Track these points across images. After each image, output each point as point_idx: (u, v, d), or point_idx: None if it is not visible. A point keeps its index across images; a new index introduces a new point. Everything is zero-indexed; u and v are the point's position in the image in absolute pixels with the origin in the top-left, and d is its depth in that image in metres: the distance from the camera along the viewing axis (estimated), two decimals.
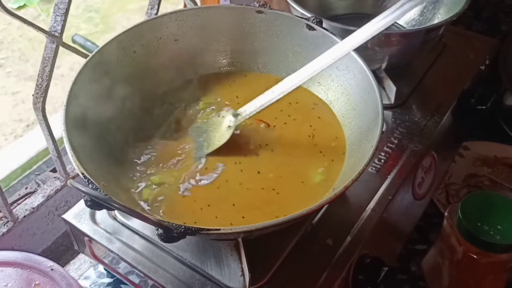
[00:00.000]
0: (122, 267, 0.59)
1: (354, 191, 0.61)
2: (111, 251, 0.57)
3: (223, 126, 0.59)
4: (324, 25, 0.63)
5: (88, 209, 0.61)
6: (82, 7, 2.00)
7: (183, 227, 0.43)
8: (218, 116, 0.60)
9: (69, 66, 1.68)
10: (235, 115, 0.59)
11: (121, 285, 0.68)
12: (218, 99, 0.65)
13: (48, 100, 0.66)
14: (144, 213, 0.47)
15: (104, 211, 0.60)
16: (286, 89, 0.57)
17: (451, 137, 0.80)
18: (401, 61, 0.75)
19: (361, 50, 0.59)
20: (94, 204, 0.45)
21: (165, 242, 0.44)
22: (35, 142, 1.12)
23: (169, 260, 0.56)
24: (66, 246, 0.74)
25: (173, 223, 0.43)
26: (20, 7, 1.91)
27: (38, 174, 0.76)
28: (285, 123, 0.62)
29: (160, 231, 0.44)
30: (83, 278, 0.70)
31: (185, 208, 0.54)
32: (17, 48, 1.83)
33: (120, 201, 0.45)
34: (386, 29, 0.56)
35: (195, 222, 0.52)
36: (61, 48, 0.64)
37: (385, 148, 0.67)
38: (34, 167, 0.87)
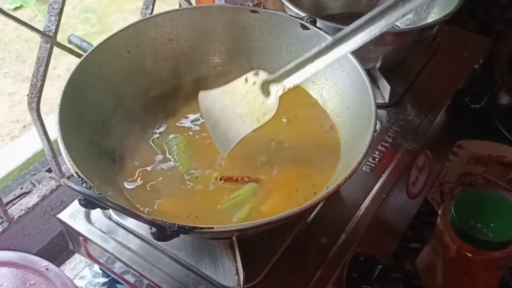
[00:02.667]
0: (117, 267, 0.60)
1: (348, 189, 0.62)
2: (106, 251, 0.58)
3: (258, 96, 0.49)
4: (318, 24, 0.63)
5: (83, 209, 0.61)
6: (79, 7, 2.00)
7: (176, 225, 0.43)
8: (246, 82, 0.49)
9: (66, 67, 1.69)
10: (272, 82, 0.48)
11: (117, 285, 0.68)
12: None
13: (45, 101, 0.66)
14: (138, 211, 0.47)
15: (99, 210, 0.60)
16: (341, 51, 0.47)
17: (445, 135, 0.80)
18: (396, 60, 0.75)
19: (355, 50, 0.59)
20: (88, 203, 0.45)
21: (158, 240, 0.44)
22: (32, 143, 1.12)
23: (164, 259, 0.56)
24: (61, 246, 0.75)
25: (167, 222, 0.43)
26: (16, 8, 1.91)
27: (34, 174, 0.76)
28: (277, 122, 0.63)
29: (154, 229, 0.44)
30: (78, 278, 0.70)
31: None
32: (14, 49, 1.83)
33: (114, 200, 0.45)
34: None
35: (196, 216, 0.52)
36: (58, 49, 0.64)
37: (379, 147, 0.67)
38: (31, 167, 0.87)
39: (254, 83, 0.50)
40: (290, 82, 0.51)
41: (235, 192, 0.55)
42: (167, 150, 0.59)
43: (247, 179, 0.56)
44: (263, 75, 0.51)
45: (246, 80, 0.50)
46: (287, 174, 0.57)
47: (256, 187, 0.55)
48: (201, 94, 0.55)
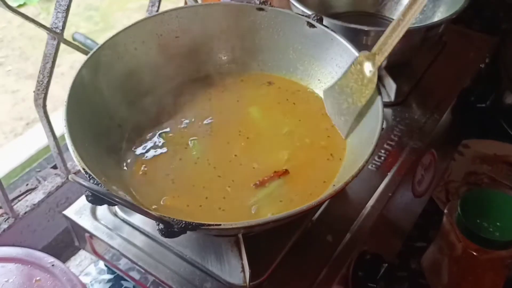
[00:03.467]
0: (122, 263, 0.60)
1: (354, 188, 0.61)
2: (112, 247, 0.58)
3: (365, 73, 0.55)
4: (324, 22, 0.63)
5: (89, 206, 0.61)
6: (83, 5, 2.00)
7: (183, 222, 0.43)
8: (354, 65, 0.56)
9: (69, 64, 1.69)
10: (371, 58, 0.55)
11: (122, 281, 0.68)
12: (219, 98, 0.65)
13: (49, 98, 0.66)
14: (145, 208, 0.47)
15: (104, 207, 0.60)
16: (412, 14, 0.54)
17: (451, 135, 0.80)
18: (401, 59, 0.75)
19: (362, 48, 0.59)
20: (96, 199, 0.45)
21: (165, 237, 0.44)
22: (35, 140, 1.12)
23: (169, 256, 0.56)
24: (66, 242, 0.75)
25: (174, 218, 0.43)
26: (20, 6, 1.92)
27: (39, 171, 0.76)
28: (284, 119, 0.63)
29: (161, 226, 0.44)
30: (83, 274, 0.70)
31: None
32: (17, 46, 1.83)
33: (121, 196, 0.45)
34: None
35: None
36: (61, 47, 0.64)
37: (385, 146, 0.67)
38: (34, 165, 0.87)
39: (360, 64, 0.56)
40: (381, 56, 0.56)
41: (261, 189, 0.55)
42: (176, 147, 0.59)
43: (277, 174, 0.56)
44: (363, 55, 0.57)
45: (354, 64, 0.57)
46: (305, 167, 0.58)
47: (283, 180, 0.55)
48: (324, 91, 0.62)
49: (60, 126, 0.51)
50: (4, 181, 0.64)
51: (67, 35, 0.64)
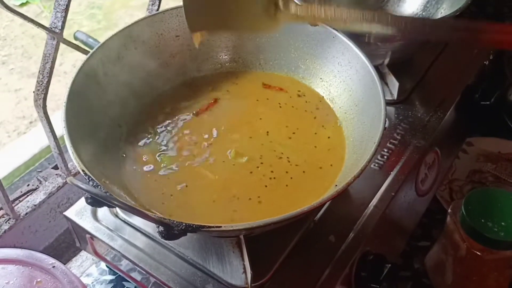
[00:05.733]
0: (124, 264, 0.59)
1: (356, 187, 0.61)
2: (113, 249, 0.57)
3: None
4: None
5: (89, 207, 0.60)
6: (85, 4, 2.00)
7: (183, 224, 0.43)
8: None
9: (72, 63, 1.69)
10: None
11: (123, 282, 0.68)
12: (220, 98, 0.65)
13: (51, 97, 0.65)
14: (145, 210, 0.46)
15: (105, 208, 0.60)
16: None
17: (455, 133, 0.79)
18: (404, 57, 0.74)
19: (364, 46, 0.59)
20: (95, 202, 0.45)
21: (165, 239, 0.44)
22: (38, 139, 1.12)
23: (171, 258, 0.56)
24: (68, 243, 0.74)
25: (174, 220, 0.43)
26: (22, 4, 1.91)
27: (40, 171, 0.76)
28: (286, 119, 0.62)
29: (161, 228, 0.43)
30: (85, 275, 0.69)
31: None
32: (20, 45, 1.83)
33: (121, 198, 0.45)
34: None
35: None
36: (64, 45, 0.64)
37: (388, 144, 0.67)
38: (38, 164, 0.87)
39: None
40: None
41: None
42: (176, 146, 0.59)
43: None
44: None
45: None
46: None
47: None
48: None
49: (61, 125, 0.51)
50: (7, 180, 0.64)
51: (69, 33, 0.64)
